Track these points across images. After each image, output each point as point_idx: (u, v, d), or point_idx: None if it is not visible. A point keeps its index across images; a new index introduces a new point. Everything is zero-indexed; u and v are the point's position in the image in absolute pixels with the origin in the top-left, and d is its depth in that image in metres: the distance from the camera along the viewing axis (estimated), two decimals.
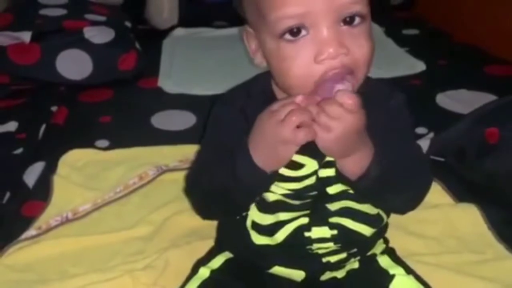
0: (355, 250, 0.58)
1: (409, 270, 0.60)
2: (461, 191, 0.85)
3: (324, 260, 0.58)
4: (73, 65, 1.22)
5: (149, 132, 1.07)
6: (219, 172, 0.53)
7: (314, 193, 0.56)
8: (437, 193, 0.84)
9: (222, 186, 0.53)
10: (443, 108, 1.14)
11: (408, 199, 0.57)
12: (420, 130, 1.02)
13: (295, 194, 0.56)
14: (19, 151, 0.98)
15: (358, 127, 0.47)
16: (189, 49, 1.48)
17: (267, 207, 0.57)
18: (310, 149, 0.49)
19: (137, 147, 0.99)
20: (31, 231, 0.77)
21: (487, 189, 0.85)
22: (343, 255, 0.58)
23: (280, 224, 0.57)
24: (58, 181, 0.88)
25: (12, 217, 0.81)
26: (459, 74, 1.29)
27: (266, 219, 0.57)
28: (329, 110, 0.47)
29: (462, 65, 1.34)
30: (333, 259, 0.58)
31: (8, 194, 0.86)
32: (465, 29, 1.49)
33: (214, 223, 0.67)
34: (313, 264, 0.58)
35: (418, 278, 0.59)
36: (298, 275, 0.59)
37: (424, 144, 0.94)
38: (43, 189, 0.87)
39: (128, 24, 1.39)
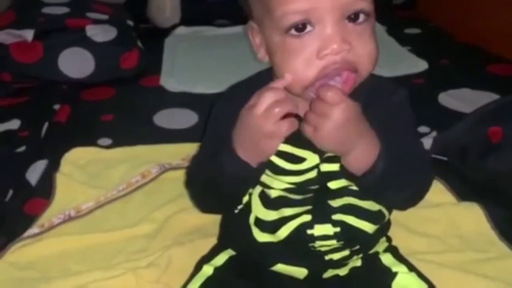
0: (357, 247, 0.58)
1: (411, 268, 0.60)
2: (464, 190, 0.85)
3: (327, 257, 0.58)
4: (76, 63, 1.22)
5: (151, 130, 1.07)
6: (210, 167, 0.54)
7: (316, 187, 0.56)
8: (439, 192, 0.84)
9: (212, 180, 0.54)
10: (445, 107, 1.14)
11: (409, 195, 0.57)
12: (423, 129, 1.02)
13: (296, 188, 0.56)
14: (21, 149, 0.98)
15: (347, 118, 0.47)
16: (191, 47, 1.48)
17: (271, 203, 0.57)
18: (311, 143, 0.50)
19: (140, 146, 0.99)
20: (34, 229, 0.77)
21: (490, 188, 0.85)
22: (346, 253, 0.58)
23: (283, 221, 0.57)
24: (61, 179, 0.88)
25: (14, 215, 0.81)
26: (461, 73, 1.29)
27: (270, 215, 0.58)
28: (314, 107, 0.48)
29: (465, 64, 1.34)
30: (335, 256, 0.58)
31: (10, 192, 0.86)
32: (467, 28, 1.49)
33: (217, 221, 0.67)
34: (315, 261, 0.58)
35: (421, 276, 0.59)
36: (300, 272, 0.59)
37: (427, 143, 0.94)
38: (46, 187, 0.87)
39: (130, 22, 1.39)
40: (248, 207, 0.59)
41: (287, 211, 0.57)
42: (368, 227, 0.58)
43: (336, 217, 0.57)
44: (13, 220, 0.80)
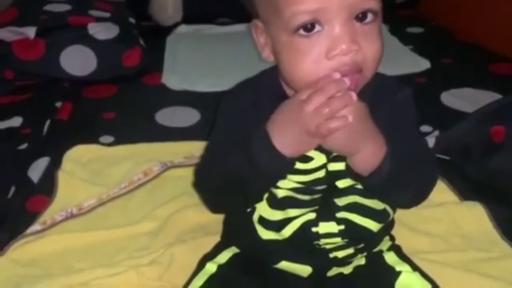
0: (362, 245, 0.58)
1: (415, 267, 0.60)
2: (467, 190, 0.85)
3: (331, 255, 0.58)
4: (78, 61, 1.22)
5: (153, 128, 1.07)
6: (233, 159, 0.52)
7: (323, 187, 0.56)
8: (442, 191, 0.84)
9: (236, 174, 0.52)
10: (448, 106, 1.14)
11: (414, 194, 0.57)
12: (425, 128, 1.02)
13: (304, 188, 0.56)
14: (23, 146, 0.98)
15: (356, 119, 0.47)
16: (192, 46, 1.48)
17: (277, 204, 0.57)
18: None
19: (142, 143, 0.99)
20: (36, 226, 0.77)
21: (492, 188, 0.85)
22: (350, 251, 0.58)
23: (288, 220, 0.57)
24: (63, 177, 0.88)
25: (17, 212, 0.81)
26: (464, 72, 1.29)
27: (276, 215, 0.57)
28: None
29: (467, 63, 1.34)
30: (340, 254, 0.58)
31: (13, 189, 0.86)
32: (469, 27, 1.48)
33: (219, 219, 0.67)
34: (320, 259, 0.58)
35: (424, 275, 0.59)
36: (305, 270, 0.59)
37: (429, 142, 0.94)
38: (48, 184, 0.87)
39: (132, 20, 1.39)
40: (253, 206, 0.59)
41: (293, 212, 0.57)
42: (372, 225, 0.58)
43: (340, 215, 0.56)
44: (15, 217, 0.80)
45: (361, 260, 0.60)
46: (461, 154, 0.91)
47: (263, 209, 0.58)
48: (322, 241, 0.57)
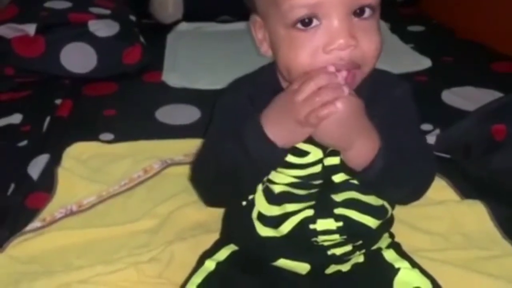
0: (360, 242, 0.58)
1: (414, 264, 0.59)
2: (467, 188, 0.85)
3: (329, 252, 0.58)
4: (78, 58, 1.22)
5: (153, 126, 1.07)
6: (227, 148, 0.52)
7: (320, 181, 0.56)
8: (443, 190, 0.84)
9: (230, 162, 0.52)
10: (449, 105, 1.13)
11: (411, 190, 0.57)
12: (426, 126, 1.02)
13: (301, 182, 0.56)
14: (23, 143, 0.98)
15: (349, 114, 0.47)
16: (193, 43, 1.48)
17: (274, 199, 0.57)
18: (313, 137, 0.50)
19: (142, 141, 0.99)
20: (36, 223, 0.77)
21: (493, 186, 0.85)
22: (349, 248, 0.58)
23: (286, 216, 0.57)
24: (63, 174, 0.88)
25: (16, 209, 0.81)
26: (465, 71, 1.28)
27: (273, 211, 0.57)
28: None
29: (468, 62, 1.34)
30: (338, 251, 0.58)
31: (12, 186, 0.86)
32: (471, 26, 1.48)
33: (219, 216, 0.67)
34: (318, 256, 0.58)
35: (423, 272, 0.59)
36: (303, 268, 0.59)
37: (430, 140, 0.94)
38: (48, 181, 0.87)
39: (132, 18, 1.38)
40: (251, 201, 0.59)
41: (290, 207, 0.57)
42: (371, 222, 0.58)
43: (339, 211, 0.56)
44: (14, 214, 0.80)
45: (359, 258, 0.60)
46: (462, 152, 0.91)
47: (261, 204, 0.58)
48: (320, 238, 0.57)
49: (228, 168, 0.53)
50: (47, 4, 1.28)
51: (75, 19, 1.25)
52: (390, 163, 0.50)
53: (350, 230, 0.57)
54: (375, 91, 0.53)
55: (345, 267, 0.60)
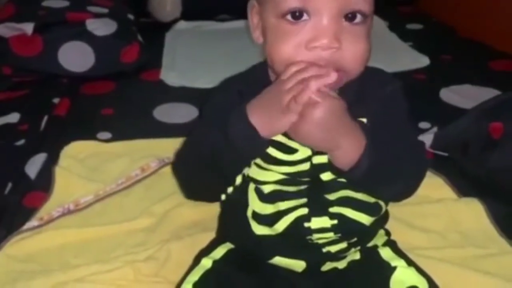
0: (355, 239, 0.58)
1: (410, 262, 0.59)
2: (465, 186, 0.85)
3: (325, 250, 0.58)
4: (76, 57, 1.22)
5: (151, 124, 1.07)
6: (209, 135, 0.53)
7: (308, 179, 0.56)
8: (440, 188, 0.84)
9: (211, 149, 0.52)
10: (447, 103, 1.13)
11: (401, 187, 0.57)
12: (424, 124, 1.02)
13: (289, 179, 0.56)
14: (21, 142, 0.98)
15: (328, 118, 0.47)
16: (191, 42, 1.48)
17: (266, 198, 0.57)
18: None
19: (139, 140, 0.99)
20: (33, 222, 0.77)
21: (490, 184, 0.85)
22: (344, 245, 0.58)
23: (280, 215, 0.57)
24: (60, 173, 0.88)
25: (13, 208, 0.81)
26: (463, 69, 1.28)
27: (266, 209, 0.57)
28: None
29: (467, 60, 1.34)
30: (333, 249, 0.58)
31: (9, 185, 0.86)
32: (469, 24, 1.48)
33: (216, 215, 0.67)
34: (313, 254, 0.58)
35: (420, 270, 0.59)
36: (298, 265, 0.59)
37: (428, 139, 0.94)
38: (45, 180, 0.87)
39: (130, 16, 1.38)
40: (245, 200, 0.59)
41: (283, 205, 0.57)
42: (365, 219, 0.58)
43: (334, 209, 0.56)
44: (12, 213, 0.80)
45: (355, 255, 0.60)
46: (459, 150, 0.91)
47: (255, 203, 0.58)
48: (315, 236, 0.57)
49: (209, 154, 0.53)
50: (44, 3, 1.28)
51: (72, 18, 1.25)
52: (377, 162, 0.50)
53: (345, 227, 0.57)
54: (363, 90, 0.53)
55: (341, 264, 0.60)
